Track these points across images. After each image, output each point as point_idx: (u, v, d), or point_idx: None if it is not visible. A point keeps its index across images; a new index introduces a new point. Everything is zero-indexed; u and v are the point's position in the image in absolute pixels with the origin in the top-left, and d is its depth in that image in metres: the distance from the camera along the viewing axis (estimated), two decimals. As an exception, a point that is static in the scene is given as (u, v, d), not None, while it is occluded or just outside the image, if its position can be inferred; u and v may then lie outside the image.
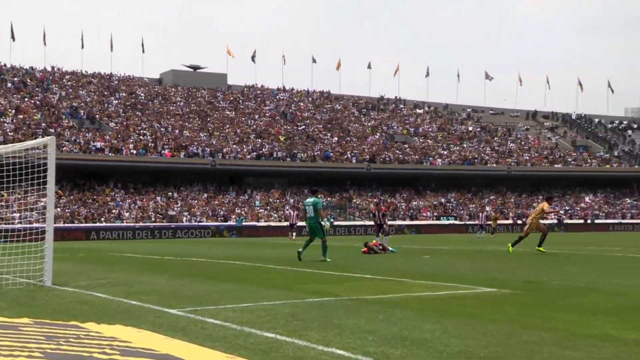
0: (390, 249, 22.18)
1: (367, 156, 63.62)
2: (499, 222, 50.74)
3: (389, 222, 36.64)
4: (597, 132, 79.01)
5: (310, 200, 18.01)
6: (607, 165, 70.11)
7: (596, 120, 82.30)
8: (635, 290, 10.45)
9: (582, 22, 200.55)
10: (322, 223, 17.76)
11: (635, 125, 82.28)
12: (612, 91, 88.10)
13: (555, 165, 68.78)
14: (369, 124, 72.93)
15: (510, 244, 21.34)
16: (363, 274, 13.54)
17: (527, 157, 69.59)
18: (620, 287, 10.80)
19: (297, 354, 5.79)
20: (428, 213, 60.49)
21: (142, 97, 66.98)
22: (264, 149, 61.20)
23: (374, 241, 22.56)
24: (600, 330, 6.87)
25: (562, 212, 61.41)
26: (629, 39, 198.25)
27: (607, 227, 58.66)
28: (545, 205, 20.93)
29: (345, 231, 52.37)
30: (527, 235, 21.49)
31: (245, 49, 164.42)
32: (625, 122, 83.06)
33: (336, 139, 67.03)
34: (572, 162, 69.95)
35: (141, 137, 58.19)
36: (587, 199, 67.66)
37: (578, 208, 65.23)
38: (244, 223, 51.72)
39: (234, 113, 68.67)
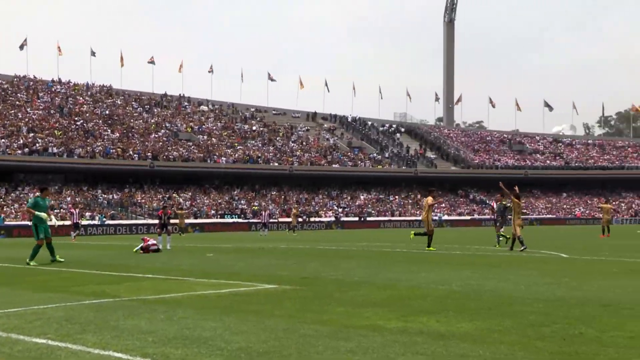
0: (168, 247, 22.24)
1: (150, 153, 62.17)
2: (299, 219, 52.43)
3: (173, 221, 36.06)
4: (370, 135, 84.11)
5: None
6: (379, 166, 74.96)
7: (369, 123, 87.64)
8: (402, 283, 11.29)
9: (357, 31, 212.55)
10: (49, 221, 16.64)
11: (402, 129, 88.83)
12: (382, 96, 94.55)
13: (334, 165, 72.17)
14: (153, 121, 71.31)
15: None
16: (144, 274, 13.24)
17: (308, 157, 72.25)
18: (390, 281, 11.60)
19: (71, 359, 5.52)
20: (212, 211, 60.50)
21: None
22: (37, 144, 57.36)
23: (149, 241, 21.70)
24: (370, 321, 7.35)
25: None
26: (397, 49, 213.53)
27: (379, 224, 62.70)
28: (429, 200, 21.32)
29: (127, 230, 50.72)
30: (432, 231, 21.36)
31: (15, 37, 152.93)
32: (394, 126, 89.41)
33: (118, 135, 64.69)
34: (349, 163, 73.86)
35: None
36: (362, 197, 71.78)
37: (354, 206, 69.00)
38: (10, 222, 48.06)
39: (1, 105, 63.60)
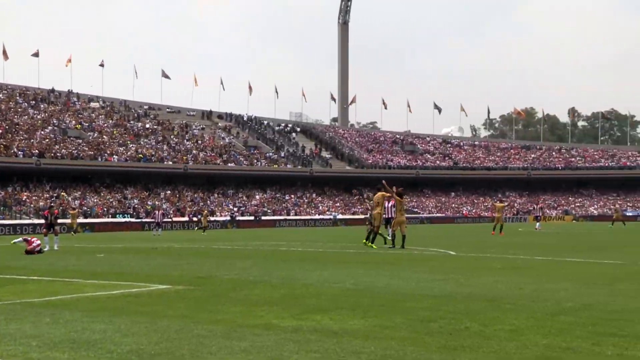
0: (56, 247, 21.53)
1: (37, 151, 59.55)
2: (209, 218, 51.88)
3: (60, 221, 34.71)
4: (266, 134, 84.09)
5: None
6: (275, 165, 75.09)
7: (265, 122, 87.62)
8: (297, 281, 11.38)
9: (253, 30, 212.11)
10: None
11: (298, 129, 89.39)
12: (278, 96, 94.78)
13: (229, 164, 71.66)
14: (39, 117, 68.33)
15: (367, 241, 21.21)
16: (29, 276, 12.68)
17: (203, 156, 71.41)
18: (284, 279, 11.67)
19: (-52, 368, 5.24)
20: (103, 210, 58.67)
21: None
22: None
23: (34, 242, 20.74)
24: (264, 319, 7.37)
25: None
26: (293, 49, 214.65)
27: (274, 223, 62.78)
28: (383, 195, 21.43)
29: (11, 230, 48.34)
30: (378, 228, 21.43)
31: None
32: (290, 126, 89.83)
33: (0, 131, 61.58)
34: (244, 162, 73.56)
35: None
36: (257, 196, 71.66)
37: (249, 205, 68.78)
38: None
39: None
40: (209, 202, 66.98)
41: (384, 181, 22.53)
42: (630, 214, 79.31)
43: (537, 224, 42.69)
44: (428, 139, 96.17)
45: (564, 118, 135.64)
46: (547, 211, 79.30)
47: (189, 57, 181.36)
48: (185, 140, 74.83)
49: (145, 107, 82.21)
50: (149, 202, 62.42)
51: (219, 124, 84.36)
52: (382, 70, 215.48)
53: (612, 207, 66.43)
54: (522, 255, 17.26)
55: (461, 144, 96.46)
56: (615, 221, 47.88)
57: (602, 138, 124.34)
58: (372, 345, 5.95)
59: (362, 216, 71.00)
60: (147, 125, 75.82)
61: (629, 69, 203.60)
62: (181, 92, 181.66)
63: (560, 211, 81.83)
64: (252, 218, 63.88)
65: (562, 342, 6.07)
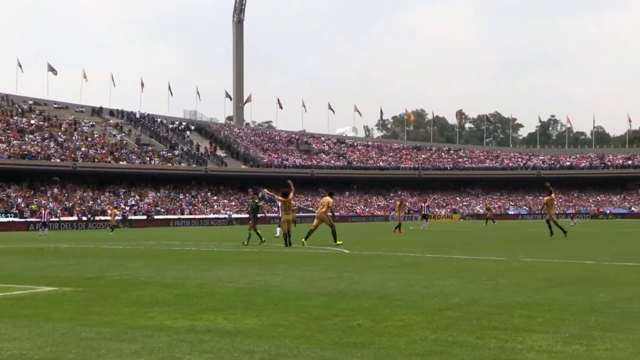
0: None
1: None
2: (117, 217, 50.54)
3: None
4: (159, 132, 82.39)
5: None
6: (169, 164, 73.69)
7: (158, 120, 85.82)
8: (190, 281, 11.22)
9: (145, 25, 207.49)
10: None
11: (193, 127, 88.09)
12: (172, 94, 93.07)
13: (121, 162, 69.72)
14: None
15: (304, 239, 21.13)
16: None
17: (93, 153, 69.12)
18: (177, 279, 11.48)
19: None
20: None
21: None
22: None
23: None
24: (156, 320, 7.22)
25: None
26: (187, 46, 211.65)
27: (168, 223, 61.62)
28: (329, 200, 22.56)
29: None
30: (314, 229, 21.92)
31: None
32: (184, 124, 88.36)
33: None
34: (137, 160, 71.76)
35: None
36: (150, 195, 70.10)
37: (142, 204, 67.15)
38: None
39: None
40: (99, 200, 64.91)
41: (289, 181, 23.08)
42: (512, 212, 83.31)
43: (424, 222, 44.05)
44: (323, 138, 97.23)
45: (452, 120, 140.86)
46: (437, 210, 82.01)
47: (77, 52, 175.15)
48: (74, 137, 72.17)
49: (30, 102, 78.70)
50: (34, 201, 59.79)
51: (110, 121, 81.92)
52: (277, 70, 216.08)
53: (485, 206, 69.58)
54: (413, 253, 17.75)
55: (355, 144, 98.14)
56: (488, 219, 51.85)
57: (487, 140, 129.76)
58: (265, 344, 5.96)
59: (258, 215, 70.97)
60: (33, 121, 72.62)
61: (512, 73, 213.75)
62: (69, 87, 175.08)
63: (448, 210, 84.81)
64: (144, 217, 62.42)
65: (449, 336, 6.29)
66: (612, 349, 5.75)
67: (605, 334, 6.37)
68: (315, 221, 22.56)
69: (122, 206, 63.87)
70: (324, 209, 22.28)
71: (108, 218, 59.14)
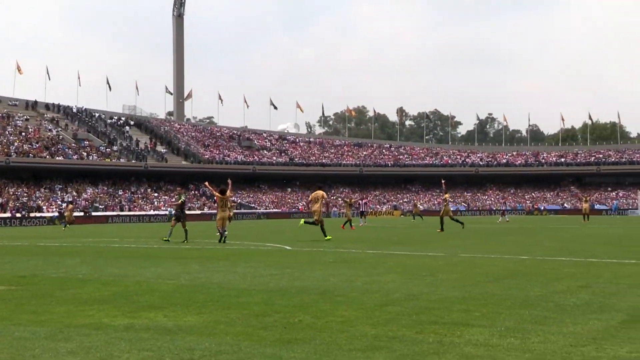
0: None
1: None
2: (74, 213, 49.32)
3: None
4: (97, 127, 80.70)
5: None
6: (107, 159, 72.26)
7: (96, 114, 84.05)
8: (129, 278, 11.04)
9: (82, 17, 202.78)
10: None
11: (132, 122, 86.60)
12: (110, 88, 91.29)
13: (57, 158, 68.02)
14: None
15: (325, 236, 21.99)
16: None
17: (28, 148, 67.23)
18: (116, 277, 11.28)
19: None
20: None
21: None
22: None
23: None
24: (94, 319, 7.09)
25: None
26: (126, 40, 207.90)
27: (107, 219, 60.41)
28: (322, 193, 23.54)
29: None
30: (322, 221, 22.83)
31: None
32: (123, 119, 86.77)
33: None
34: (74, 155, 70.13)
35: None
36: (89, 191, 68.63)
37: (80, 200, 65.68)
38: None
39: None
40: (34, 197, 63.22)
41: (229, 180, 23.28)
42: (451, 208, 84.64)
43: (362, 219, 44.53)
44: (265, 135, 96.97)
45: (393, 117, 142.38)
46: (378, 206, 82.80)
47: (9, 43, 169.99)
48: (7, 132, 70.06)
49: (-40, 95, 76.06)
50: (-35, 197, 57.81)
51: (46, 115, 79.82)
52: (219, 65, 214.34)
53: (413, 202, 70.72)
54: (354, 249, 17.89)
55: (297, 140, 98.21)
56: (415, 215, 54.75)
57: (427, 137, 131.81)
58: (206, 341, 5.92)
59: (199, 212, 70.30)
60: (-36, 115, 70.17)
61: (451, 71, 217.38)
62: (1, 80, 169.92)
63: (389, 206, 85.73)
64: (82, 214, 61.02)
65: (389, 331, 6.37)
66: (545, 341, 5.92)
67: (539, 327, 6.55)
68: (315, 216, 23.18)
69: (59, 202, 62.36)
70: (319, 203, 23.37)
71: (45, 215, 57.69)
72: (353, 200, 41.79)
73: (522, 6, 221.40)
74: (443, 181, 31.63)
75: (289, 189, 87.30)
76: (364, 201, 49.51)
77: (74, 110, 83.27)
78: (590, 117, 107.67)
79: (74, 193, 67.16)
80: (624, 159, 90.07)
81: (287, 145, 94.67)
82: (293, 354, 5.49)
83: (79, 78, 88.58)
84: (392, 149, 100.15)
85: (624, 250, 17.06)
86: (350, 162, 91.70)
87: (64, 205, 54.68)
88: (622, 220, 51.90)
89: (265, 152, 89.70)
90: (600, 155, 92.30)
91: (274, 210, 77.28)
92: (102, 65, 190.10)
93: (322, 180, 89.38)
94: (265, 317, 7.16)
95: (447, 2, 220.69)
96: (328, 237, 22.09)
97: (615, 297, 8.53)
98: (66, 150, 70.39)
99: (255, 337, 6.12)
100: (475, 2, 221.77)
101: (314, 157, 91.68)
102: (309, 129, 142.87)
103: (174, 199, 24.32)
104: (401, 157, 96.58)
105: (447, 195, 30.47)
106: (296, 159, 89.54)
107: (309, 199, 24.90)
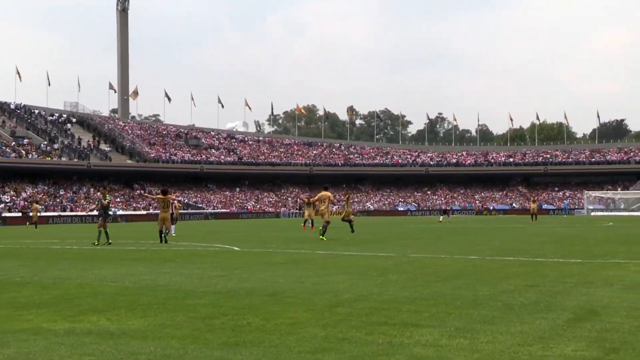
0: None
1: None
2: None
3: None
4: (37, 124, 78.65)
5: None
6: (48, 158, 70.51)
7: (36, 111, 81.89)
8: (71, 281, 10.73)
9: (21, 10, 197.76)
10: None
11: (74, 120, 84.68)
12: (50, 84, 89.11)
13: (-4, 156, 66.08)
14: None
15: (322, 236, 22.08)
16: None
17: (-34, 146, 65.11)
18: (57, 279, 10.94)
19: None
20: None
21: None
22: None
23: None
24: (33, 323, 6.82)
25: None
26: (68, 34, 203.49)
27: (47, 220, 58.88)
28: (329, 195, 23.56)
29: None
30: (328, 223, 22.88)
31: None
32: (65, 116, 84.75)
33: None
34: (12, 153, 68.18)
35: None
36: (28, 191, 66.87)
37: (18, 200, 63.93)
38: None
39: None
40: (-28, 196, 61.23)
41: (167, 188, 23.46)
42: (402, 208, 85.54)
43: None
44: (213, 133, 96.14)
45: (343, 116, 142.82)
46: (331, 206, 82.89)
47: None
48: (-57, 129, 67.72)
49: None
50: None
51: (-16, 112, 77.40)
52: (165, 62, 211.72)
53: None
54: (303, 250, 17.80)
55: (246, 139, 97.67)
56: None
57: (377, 136, 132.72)
58: (151, 345, 5.74)
59: (145, 212, 69.28)
60: None
61: (401, 70, 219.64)
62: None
63: (340, 206, 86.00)
64: (20, 215, 59.31)
65: (338, 332, 6.29)
66: (493, 341, 5.93)
67: (488, 327, 6.57)
68: (325, 217, 23.40)
69: (-2, 202, 60.52)
70: (326, 204, 23.60)
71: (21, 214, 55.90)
72: (312, 200, 41.71)
73: (472, 7, 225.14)
74: (344, 185, 33.20)
75: (238, 189, 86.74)
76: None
77: (12, 106, 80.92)
78: (537, 117, 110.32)
79: (12, 193, 65.29)
80: (570, 159, 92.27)
81: (236, 144, 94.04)
82: (241, 357, 5.37)
83: (18, 73, 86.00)
84: (343, 148, 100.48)
85: (570, 249, 17.40)
86: (300, 162, 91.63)
87: (33, 205, 52.58)
88: (569, 220, 53.16)
89: (213, 151, 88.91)
90: (548, 156, 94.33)
91: (222, 210, 76.65)
92: (43, 60, 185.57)
93: (271, 180, 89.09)
94: (212, 319, 7.01)
95: (398, 2, 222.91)
96: (323, 238, 22.09)
97: (561, 296, 8.64)
98: (3, 148, 68.38)
99: (202, 341, 5.97)
100: (425, 3, 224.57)
101: (263, 157, 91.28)
102: (258, 128, 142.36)
103: (97, 202, 23.35)
104: (351, 156, 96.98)
105: (348, 196, 31.15)
106: (245, 158, 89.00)
107: (315, 198, 25.19)
